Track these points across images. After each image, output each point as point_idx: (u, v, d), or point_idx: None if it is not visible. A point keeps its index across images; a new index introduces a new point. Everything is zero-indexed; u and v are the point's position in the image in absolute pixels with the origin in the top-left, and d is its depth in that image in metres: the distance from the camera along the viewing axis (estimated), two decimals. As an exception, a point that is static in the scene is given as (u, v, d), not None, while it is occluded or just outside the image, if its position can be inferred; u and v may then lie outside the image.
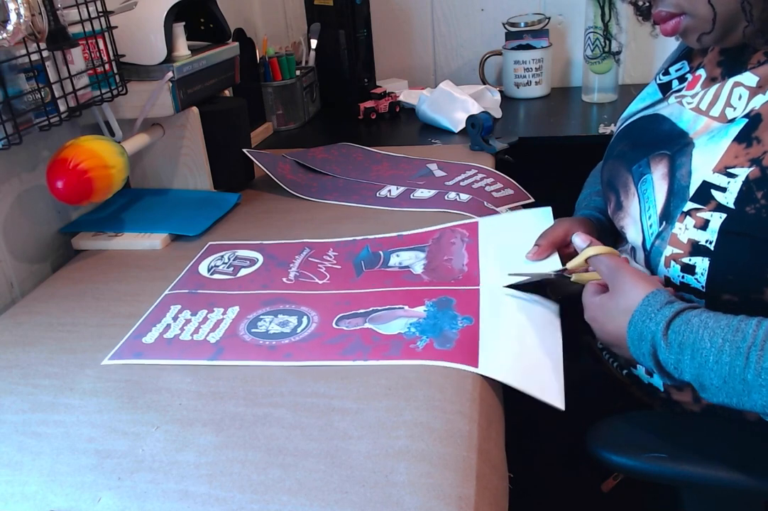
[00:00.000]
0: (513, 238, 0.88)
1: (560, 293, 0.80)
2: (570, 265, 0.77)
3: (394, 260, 0.89)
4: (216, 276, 0.88)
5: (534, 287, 0.79)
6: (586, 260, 0.74)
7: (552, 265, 0.80)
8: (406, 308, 0.76)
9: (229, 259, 0.92)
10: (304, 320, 0.76)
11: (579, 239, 0.76)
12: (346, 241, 0.95)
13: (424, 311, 0.75)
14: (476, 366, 0.65)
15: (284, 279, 0.86)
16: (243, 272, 0.88)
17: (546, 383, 0.65)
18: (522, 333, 0.72)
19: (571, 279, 0.77)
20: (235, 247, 0.96)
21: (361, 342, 0.70)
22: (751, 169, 0.62)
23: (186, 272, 0.89)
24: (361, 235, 0.96)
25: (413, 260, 0.88)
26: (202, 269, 0.90)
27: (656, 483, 0.65)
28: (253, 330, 0.75)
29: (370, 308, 0.77)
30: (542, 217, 0.91)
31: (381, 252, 0.91)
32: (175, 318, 0.78)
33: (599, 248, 0.73)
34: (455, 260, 0.87)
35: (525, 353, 0.68)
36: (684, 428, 0.66)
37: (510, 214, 1.00)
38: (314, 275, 0.86)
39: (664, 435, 0.66)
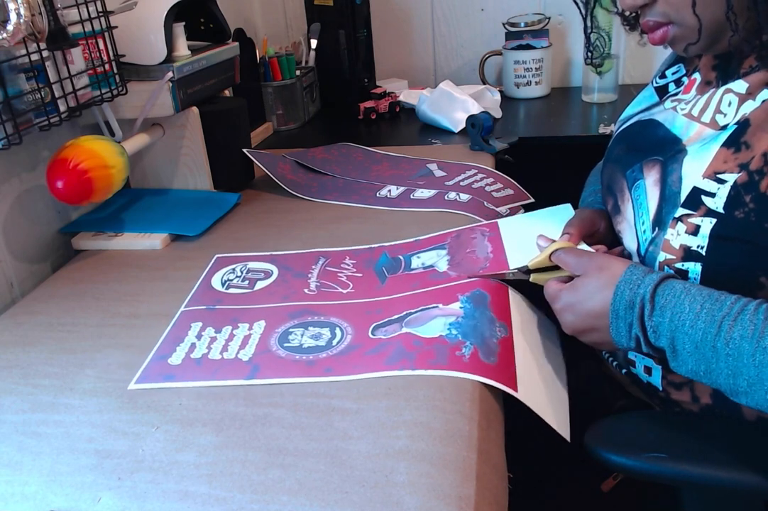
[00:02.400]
0: (537, 232, 0.87)
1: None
2: (532, 262, 0.77)
3: (416, 262, 0.86)
4: (232, 290, 0.84)
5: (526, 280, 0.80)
6: (550, 256, 0.75)
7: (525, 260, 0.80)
8: (441, 305, 0.74)
9: (241, 272, 0.88)
10: (338, 331, 0.73)
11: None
12: (361, 248, 0.92)
13: (460, 307, 0.73)
14: (516, 390, 0.64)
15: (306, 290, 0.82)
16: (260, 284, 0.85)
17: (559, 414, 0.66)
18: (540, 359, 0.72)
19: (530, 279, 0.77)
20: (245, 260, 0.92)
21: (403, 348, 0.68)
22: (740, 174, 0.62)
23: (199, 288, 0.85)
24: (366, 236, 0.96)
25: (436, 259, 0.86)
26: (216, 283, 0.86)
27: (656, 483, 0.65)
28: (285, 345, 0.71)
29: (404, 312, 0.74)
30: (563, 214, 0.90)
31: (401, 257, 0.89)
32: (198, 336, 0.74)
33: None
34: (479, 250, 0.85)
35: (544, 382, 0.69)
36: (684, 428, 0.66)
37: (530, 214, 0.98)
38: (336, 285, 0.83)
39: (664, 435, 0.66)
